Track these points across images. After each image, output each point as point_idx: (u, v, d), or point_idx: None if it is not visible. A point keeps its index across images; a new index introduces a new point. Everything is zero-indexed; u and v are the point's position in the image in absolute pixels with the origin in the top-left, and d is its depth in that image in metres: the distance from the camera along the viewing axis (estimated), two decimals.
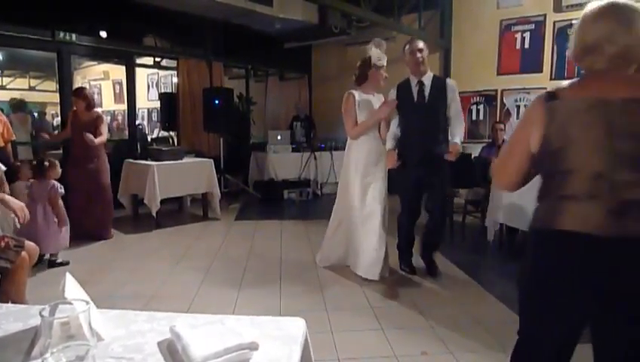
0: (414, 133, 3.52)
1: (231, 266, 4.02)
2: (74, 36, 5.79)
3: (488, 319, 2.89)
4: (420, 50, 3.51)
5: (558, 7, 6.39)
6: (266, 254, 4.39)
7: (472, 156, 5.49)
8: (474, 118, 7.25)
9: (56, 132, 5.16)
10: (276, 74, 9.31)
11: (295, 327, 1.12)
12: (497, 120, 6.45)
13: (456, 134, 3.52)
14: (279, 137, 7.27)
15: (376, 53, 3.60)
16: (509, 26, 6.97)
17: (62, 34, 5.65)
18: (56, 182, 3.91)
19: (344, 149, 7.68)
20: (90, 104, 4.62)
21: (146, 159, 5.50)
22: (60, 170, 4.01)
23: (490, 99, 7.16)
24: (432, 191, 3.62)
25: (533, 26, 6.73)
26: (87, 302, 0.88)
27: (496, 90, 7.10)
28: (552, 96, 1.31)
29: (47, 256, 3.94)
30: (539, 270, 1.38)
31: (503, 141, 5.25)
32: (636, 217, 1.20)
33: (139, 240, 4.91)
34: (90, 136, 4.37)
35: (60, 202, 3.91)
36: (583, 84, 1.32)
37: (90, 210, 4.66)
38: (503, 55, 7.03)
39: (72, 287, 1.08)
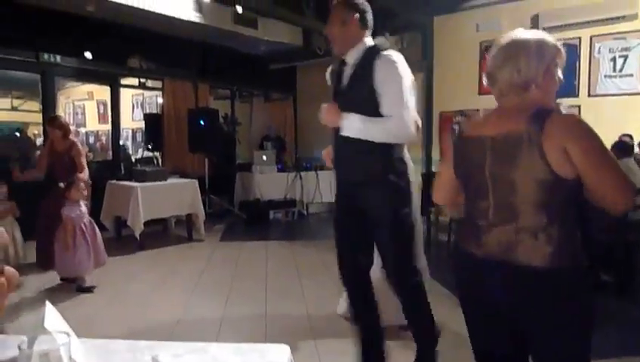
0: (335, 138, 2.31)
1: (215, 289, 3.97)
2: (58, 58, 5.79)
3: None
4: (333, 23, 2.25)
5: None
6: (251, 276, 4.35)
7: None
8: None
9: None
10: (261, 95, 9.37)
11: (279, 355, 1.11)
12: None
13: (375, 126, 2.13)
14: (265, 157, 7.28)
15: None
16: (488, 48, 7.15)
17: (46, 55, 5.65)
18: (80, 204, 3.84)
19: (328, 169, 7.74)
20: (65, 133, 4.54)
21: (130, 180, 5.45)
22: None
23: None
24: (376, 237, 2.30)
25: None
26: (68, 334, 0.87)
27: (477, 110, 7.25)
28: (459, 131, 1.50)
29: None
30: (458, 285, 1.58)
31: None
32: (494, 241, 1.35)
33: (122, 262, 4.82)
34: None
35: (70, 226, 3.75)
36: (477, 122, 1.48)
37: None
38: (483, 76, 7.20)
39: (52, 317, 1.07)
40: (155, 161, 7.22)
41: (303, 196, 7.31)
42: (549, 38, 1.37)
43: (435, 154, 7.31)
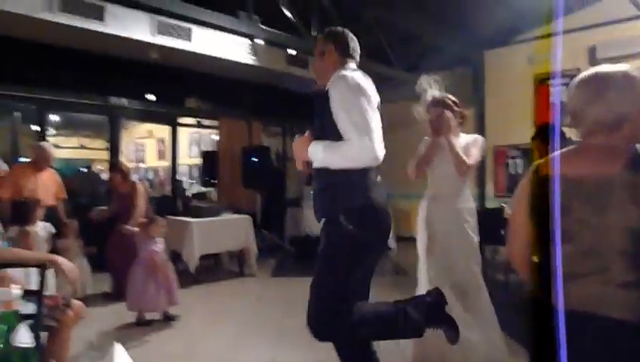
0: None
1: (267, 326, 3.98)
2: (124, 100, 6.23)
3: None
4: (315, 57, 2.27)
5: (592, 61, 6.39)
6: (303, 314, 4.30)
7: None
8: (512, 172, 7.14)
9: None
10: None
11: None
12: None
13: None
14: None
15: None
16: (543, 80, 6.98)
17: (113, 99, 6.09)
18: (156, 241, 3.97)
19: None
20: (126, 176, 4.85)
21: (186, 215, 5.66)
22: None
23: (528, 152, 7.07)
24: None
25: (568, 80, 6.73)
26: None
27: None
28: (535, 170, 1.37)
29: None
30: None
31: None
32: (580, 292, 1.22)
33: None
34: (128, 229, 4.52)
35: (145, 262, 3.87)
36: (561, 158, 1.36)
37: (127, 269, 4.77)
38: (539, 108, 7.00)
39: (122, 358, 1.11)
40: (210, 197, 7.47)
41: None
42: (634, 70, 1.28)
43: (490, 190, 7.11)
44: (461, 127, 2.95)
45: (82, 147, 12.34)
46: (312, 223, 7.12)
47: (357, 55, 2.24)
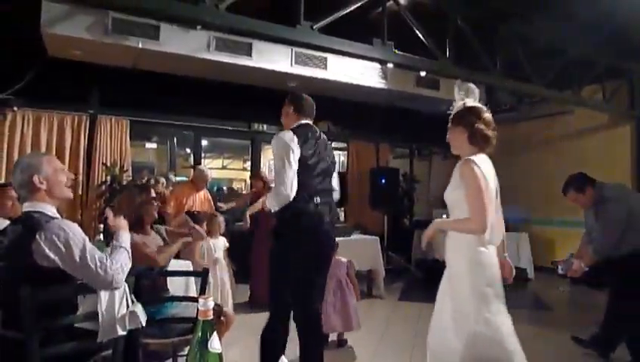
0: None
1: (397, 353, 3.93)
2: (264, 126, 6.78)
3: None
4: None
5: None
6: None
7: None
8: None
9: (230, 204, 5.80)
10: (441, 152, 9.33)
11: None
12: None
13: None
14: (444, 216, 7.12)
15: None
16: None
17: (256, 125, 6.68)
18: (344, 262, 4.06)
19: (515, 230, 7.15)
20: (265, 183, 5.26)
21: None
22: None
23: None
24: None
25: None
26: None
27: None
28: None
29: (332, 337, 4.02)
30: None
31: None
32: None
33: None
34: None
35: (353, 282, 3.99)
36: None
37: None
38: None
39: None
40: (339, 217, 7.69)
41: None
42: None
43: None
44: (474, 144, 2.26)
45: (224, 167, 13.69)
46: (441, 247, 6.89)
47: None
